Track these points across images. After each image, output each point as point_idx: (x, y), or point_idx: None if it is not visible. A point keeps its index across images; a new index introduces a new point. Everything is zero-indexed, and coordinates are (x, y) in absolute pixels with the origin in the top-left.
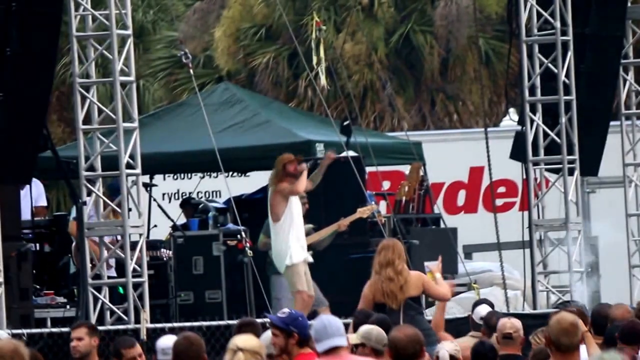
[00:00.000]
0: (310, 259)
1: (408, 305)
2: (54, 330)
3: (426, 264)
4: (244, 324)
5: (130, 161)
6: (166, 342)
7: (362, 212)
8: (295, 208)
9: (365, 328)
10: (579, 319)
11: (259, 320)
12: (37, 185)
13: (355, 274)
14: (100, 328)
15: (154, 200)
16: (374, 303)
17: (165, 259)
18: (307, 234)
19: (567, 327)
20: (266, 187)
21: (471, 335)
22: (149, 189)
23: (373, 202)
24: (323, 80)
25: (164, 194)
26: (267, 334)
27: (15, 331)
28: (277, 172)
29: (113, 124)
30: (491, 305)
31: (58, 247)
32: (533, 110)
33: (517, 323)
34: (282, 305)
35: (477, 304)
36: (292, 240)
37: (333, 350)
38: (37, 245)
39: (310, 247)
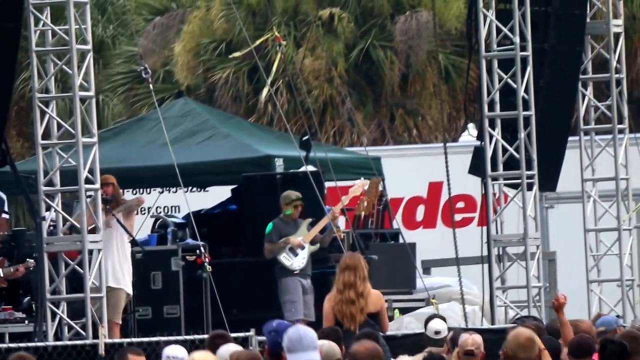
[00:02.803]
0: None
1: (365, 322)
2: (12, 345)
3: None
4: (216, 337)
5: (90, 176)
6: (174, 351)
7: (355, 190)
8: (112, 234)
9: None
10: (535, 334)
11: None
12: None
13: (314, 289)
14: (58, 343)
15: (113, 215)
16: (334, 318)
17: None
18: (308, 228)
19: (524, 342)
20: (226, 201)
21: (427, 352)
22: (107, 204)
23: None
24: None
25: None
26: (225, 349)
27: None
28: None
29: (72, 138)
30: (443, 319)
31: (17, 263)
32: (492, 125)
33: (478, 339)
34: (298, 307)
35: (429, 319)
36: (108, 265)
37: None
38: None
39: (314, 242)
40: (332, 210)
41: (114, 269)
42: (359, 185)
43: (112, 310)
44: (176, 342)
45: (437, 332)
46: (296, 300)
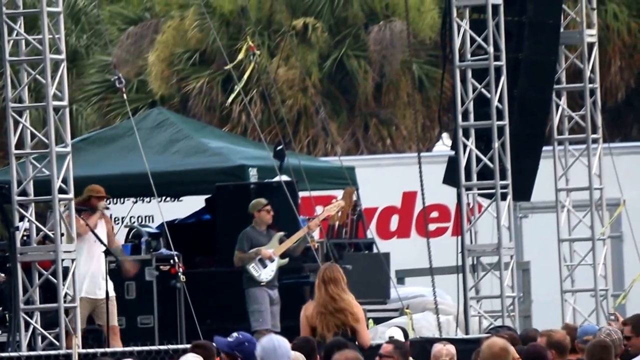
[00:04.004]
0: (97, 295)
1: (341, 333)
2: None
3: None
4: (196, 346)
5: (63, 186)
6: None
7: (329, 210)
8: (89, 243)
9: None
10: (509, 344)
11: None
12: None
13: (288, 299)
14: (31, 353)
15: (87, 225)
16: (310, 327)
17: None
18: (280, 241)
19: (497, 352)
20: (200, 211)
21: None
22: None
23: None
24: (231, 97)
25: None
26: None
27: None
28: (80, 200)
29: (46, 148)
30: (403, 330)
31: None
32: (466, 135)
33: (452, 349)
34: (265, 317)
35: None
36: (87, 273)
37: None
38: None
39: (285, 255)
40: (307, 226)
41: (100, 279)
42: (335, 206)
43: (114, 316)
44: (149, 352)
45: (391, 338)
46: (263, 310)
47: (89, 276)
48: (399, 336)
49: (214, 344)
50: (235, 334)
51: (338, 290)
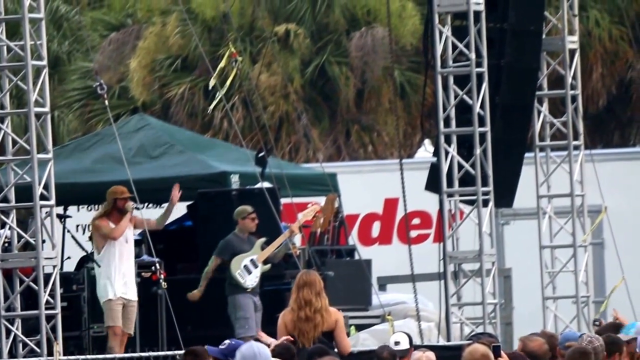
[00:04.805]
0: (132, 297)
1: (319, 340)
2: None
3: None
4: (189, 353)
5: (45, 192)
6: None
7: (306, 215)
8: (121, 245)
9: None
10: (490, 351)
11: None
12: None
13: (269, 305)
14: None
15: (68, 231)
16: (288, 335)
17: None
18: (262, 248)
19: (479, 359)
20: (181, 217)
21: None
22: (63, 220)
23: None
24: (213, 103)
25: (77, 226)
26: None
27: None
28: (106, 205)
29: (27, 154)
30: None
31: None
32: (448, 141)
33: (432, 356)
34: (250, 324)
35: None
36: (114, 275)
37: None
38: None
39: (267, 261)
40: (289, 229)
41: (131, 280)
42: (311, 210)
43: (129, 322)
44: (131, 359)
45: (397, 343)
46: (249, 316)
47: (121, 277)
48: (405, 341)
49: (206, 349)
50: (227, 341)
51: (312, 294)
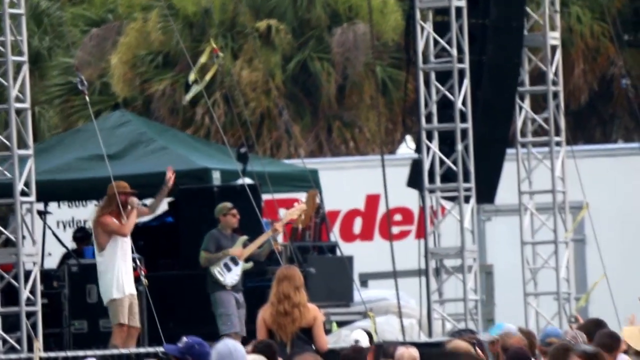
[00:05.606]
0: (134, 292)
1: (297, 336)
2: None
3: None
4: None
5: (25, 188)
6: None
7: (292, 213)
8: (123, 241)
9: (249, 358)
10: (472, 348)
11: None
12: None
13: (251, 302)
14: None
15: (49, 228)
16: (267, 329)
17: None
18: (244, 245)
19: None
20: (163, 214)
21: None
22: (43, 216)
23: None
24: (190, 94)
25: (58, 222)
26: None
27: None
28: (108, 201)
29: (8, 151)
30: (369, 334)
31: None
32: (430, 137)
33: (415, 353)
34: (233, 321)
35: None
36: (120, 271)
37: None
38: None
39: (249, 259)
40: (272, 228)
41: (128, 275)
42: (297, 209)
43: (137, 316)
44: (112, 356)
45: (356, 342)
46: (231, 313)
47: (125, 273)
48: (364, 339)
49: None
50: (184, 339)
51: (291, 288)
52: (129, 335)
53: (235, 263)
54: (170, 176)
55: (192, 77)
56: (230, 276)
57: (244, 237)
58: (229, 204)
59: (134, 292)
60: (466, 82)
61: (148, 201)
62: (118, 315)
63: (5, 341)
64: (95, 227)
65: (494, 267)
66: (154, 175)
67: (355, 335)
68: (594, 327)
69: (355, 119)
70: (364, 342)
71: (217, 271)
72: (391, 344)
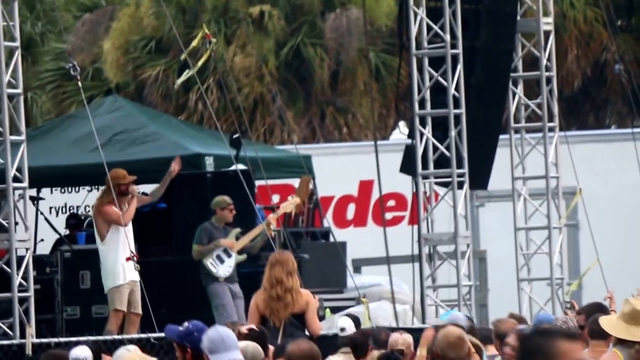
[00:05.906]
0: (137, 278)
1: (289, 322)
2: None
3: None
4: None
5: (18, 174)
6: (79, 352)
7: (286, 207)
8: (124, 229)
9: (241, 345)
10: (465, 333)
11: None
12: None
13: (245, 288)
14: None
15: (41, 213)
16: (259, 315)
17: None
18: (237, 238)
19: (454, 341)
20: (156, 201)
21: (342, 352)
22: (36, 202)
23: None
24: (181, 78)
25: (51, 208)
26: (119, 353)
27: None
28: (108, 190)
29: (0, 136)
30: (355, 319)
31: None
32: (423, 123)
33: (409, 338)
34: (229, 311)
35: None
36: (120, 260)
37: None
38: None
39: (243, 251)
40: (266, 221)
41: (130, 262)
42: (291, 203)
43: (138, 303)
44: (104, 342)
45: (342, 330)
46: (226, 303)
47: (127, 261)
48: (350, 326)
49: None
50: (186, 323)
51: (283, 273)
52: (131, 321)
53: (228, 255)
54: (174, 168)
55: (183, 57)
56: (223, 268)
57: (237, 230)
58: (228, 199)
59: (136, 278)
60: (459, 67)
61: (141, 187)
62: (115, 302)
63: None
64: (96, 216)
65: (487, 252)
66: (147, 161)
67: (341, 323)
68: (595, 312)
69: (349, 105)
70: (350, 329)
71: (210, 263)
72: (382, 330)
